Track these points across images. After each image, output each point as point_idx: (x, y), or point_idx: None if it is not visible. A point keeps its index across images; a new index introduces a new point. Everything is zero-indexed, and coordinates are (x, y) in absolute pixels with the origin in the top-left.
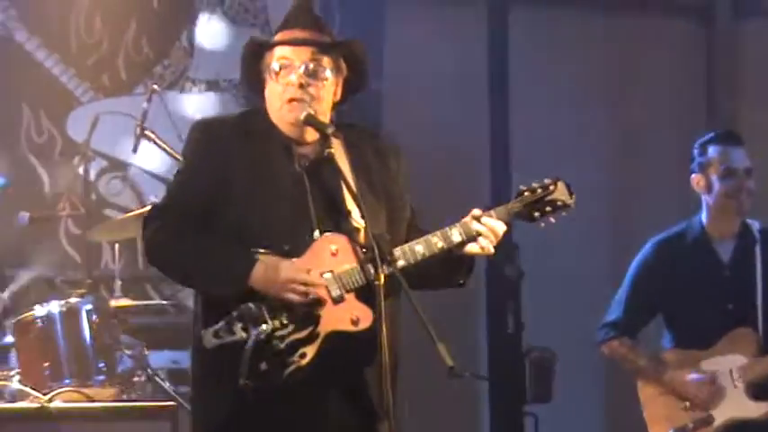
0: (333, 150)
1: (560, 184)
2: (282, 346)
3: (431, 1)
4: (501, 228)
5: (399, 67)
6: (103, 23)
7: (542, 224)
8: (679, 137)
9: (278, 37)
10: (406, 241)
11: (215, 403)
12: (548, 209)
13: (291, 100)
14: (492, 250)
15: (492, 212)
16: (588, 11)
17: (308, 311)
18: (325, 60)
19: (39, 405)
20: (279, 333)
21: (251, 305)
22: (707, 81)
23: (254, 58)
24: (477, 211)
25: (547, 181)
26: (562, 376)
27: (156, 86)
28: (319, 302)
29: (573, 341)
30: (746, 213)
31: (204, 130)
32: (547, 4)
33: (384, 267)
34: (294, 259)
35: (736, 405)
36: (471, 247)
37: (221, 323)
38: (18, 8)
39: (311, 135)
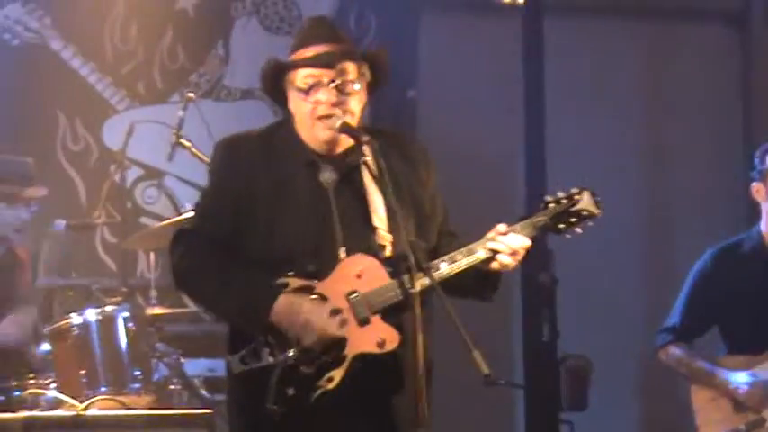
0: (368, 159)
1: (586, 194)
2: (309, 370)
3: (466, 9)
4: (524, 244)
5: (434, 74)
6: (139, 32)
7: (568, 235)
8: (714, 143)
9: (299, 54)
10: (437, 248)
11: (245, 426)
12: (573, 219)
13: (324, 117)
14: (513, 266)
15: (517, 227)
16: (622, 18)
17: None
18: (351, 72)
19: (75, 413)
20: (305, 357)
21: (278, 330)
22: (742, 86)
23: (275, 78)
24: (501, 227)
25: (573, 191)
26: (598, 384)
27: (191, 95)
28: (345, 325)
29: (608, 348)
30: None
31: (227, 150)
32: (581, 13)
33: (420, 275)
34: (324, 284)
35: None
36: (494, 264)
37: (248, 348)
38: (53, 16)
39: (341, 146)
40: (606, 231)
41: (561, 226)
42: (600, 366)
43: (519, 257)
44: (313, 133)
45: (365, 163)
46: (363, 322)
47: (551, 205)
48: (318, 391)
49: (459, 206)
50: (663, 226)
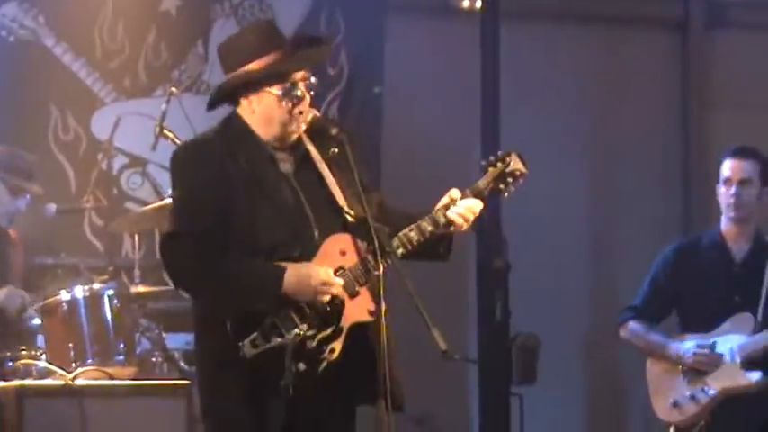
0: (336, 150)
1: (514, 155)
2: (314, 344)
3: (428, 13)
4: (478, 205)
5: (399, 72)
6: (125, 30)
7: (506, 195)
8: (654, 136)
9: (270, 59)
10: (387, 221)
11: (259, 409)
12: (510, 180)
13: (303, 112)
14: (466, 228)
15: (467, 191)
16: (573, 24)
17: (329, 310)
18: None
19: (63, 383)
20: (308, 334)
21: (280, 312)
22: (681, 86)
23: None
24: (455, 192)
25: (501, 154)
26: (545, 359)
27: (174, 89)
28: (338, 300)
29: (556, 326)
30: (746, 219)
31: (192, 151)
32: (534, 18)
33: (383, 259)
34: (313, 264)
35: (732, 376)
36: (451, 228)
37: (256, 333)
38: (46, 15)
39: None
40: (555, 219)
41: (501, 186)
42: (547, 343)
43: (471, 220)
44: (288, 128)
45: (333, 153)
46: (353, 295)
47: (490, 169)
48: (324, 363)
49: (419, 190)
50: (607, 215)
